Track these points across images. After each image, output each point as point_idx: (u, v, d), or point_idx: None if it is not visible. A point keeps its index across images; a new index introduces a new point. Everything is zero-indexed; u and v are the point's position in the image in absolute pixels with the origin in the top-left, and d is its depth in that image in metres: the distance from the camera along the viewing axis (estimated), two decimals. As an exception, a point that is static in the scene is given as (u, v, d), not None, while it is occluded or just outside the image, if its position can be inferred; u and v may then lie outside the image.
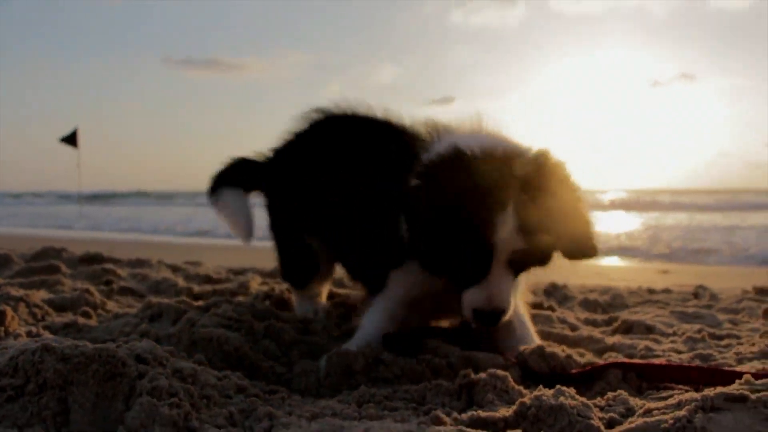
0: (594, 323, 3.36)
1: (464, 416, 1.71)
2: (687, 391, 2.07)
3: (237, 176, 3.45)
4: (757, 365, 2.35)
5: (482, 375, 2.00)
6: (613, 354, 2.64)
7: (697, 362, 2.51)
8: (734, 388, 1.74)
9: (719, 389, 1.72)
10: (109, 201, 37.39)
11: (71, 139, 20.32)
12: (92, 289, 3.41)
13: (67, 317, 2.86)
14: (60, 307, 3.11)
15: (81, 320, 2.78)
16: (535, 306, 3.49)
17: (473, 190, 2.19)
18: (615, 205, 29.48)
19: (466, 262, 2.26)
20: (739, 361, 2.46)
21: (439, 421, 1.66)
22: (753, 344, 2.71)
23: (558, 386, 1.80)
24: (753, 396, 1.68)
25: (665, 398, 1.87)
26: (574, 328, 3.14)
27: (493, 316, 2.25)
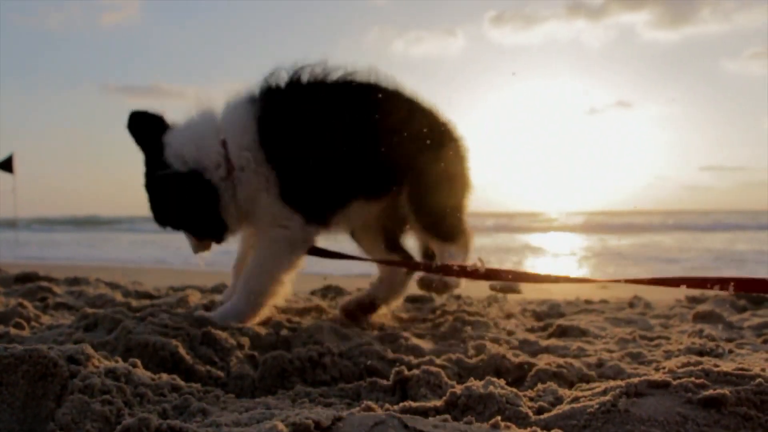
0: (530, 329, 3.43)
1: (396, 407, 1.74)
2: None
3: None
4: (683, 359, 2.43)
5: (416, 371, 2.03)
6: (546, 354, 2.69)
7: (627, 360, 2.58)
8: (657, 376, 1.81)
9: (643, 377, 1.79)
10: (46, 227, 36.45)
11: (7, 165, 19.83)
12: (26, 303, 3.35)
13: (-1, 329, 2.80)
14: (-8, 320, 3.04)
15: (13, 331, 2.73)
16: (472, 314, 3.53)
17: None
18: (556, 226, 30.00)
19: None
20: (667, 357, 2.54)
21: (369, 410, 1.69)
22: (681, 343, 2.81)
23: (488, 378, 1.84)
24: (675, 382, 1.75)
25: (593, 388, 1.93)
26: (510, 332, 3.19)
27: None
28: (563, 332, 3.19)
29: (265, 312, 3.04)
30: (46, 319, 3.24)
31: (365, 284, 5.21)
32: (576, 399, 1.78)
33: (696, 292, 4.86)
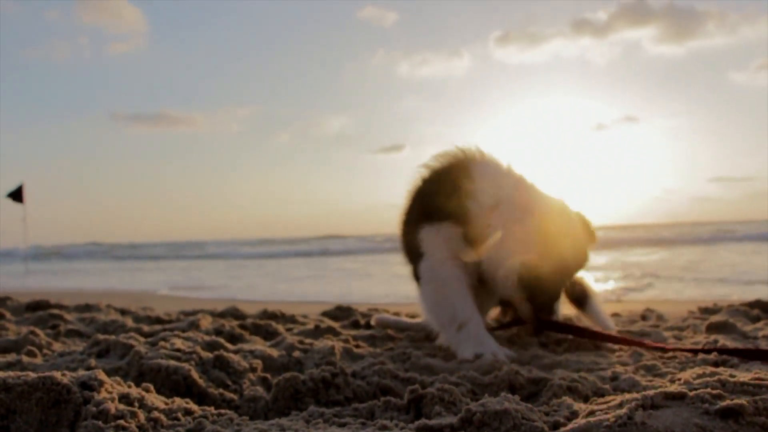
0: (543, 344, 3.41)
1: (411, 425, 1.73)
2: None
3: None
4: (698, 370, 2.41)
5: (430, 389, 2.02)
6: (560, 369, 2.68)
7: (641, 372, 2.56)
8: (673, 388, 1.80)
9: (659, 389, 1.78)
10: (56, 255, 36.51)
11: (17, 195, 19.91)
12: (37, 330, 3.36)
13: (11, 357, 2.80)
14: (3, 349, 3.05)
15: (26, 359, 2.73)
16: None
17: None
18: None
19: None
20: (682, 369, 2.52)
21: (385, 429, 1.68)
22: (695, 354, 2.79)
23: (503, 393, 1.83)
24: (691, 393, 1.74)
25: (609, 402, 1.91)
26: (523, 347, 3.17)
27: None
28: (576, 346, 3.17)
29: None
30: (57, 347, 3.24)
31: (375, 306, 5.20)
32: (591, 413, 1.76)
33: (709, 303, 4.84)
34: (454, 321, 3.02)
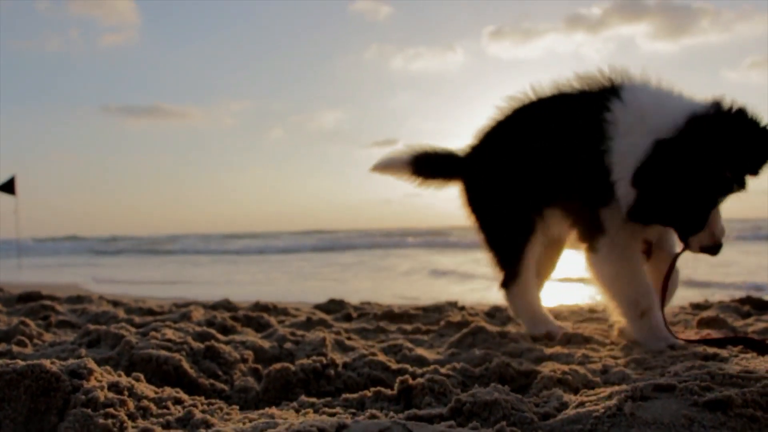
0: (534, 338, 3.41)
1: (400, 415, 1.73)
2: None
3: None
4: (688, 364, 2.41)
5: (420, 380, 2.03)
6: (551, 362, 2.68)
7: (632, 366, 2.56)
8: (662, 380, 1.80)
9: (649, 381, 1.79)
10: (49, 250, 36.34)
11: (8, 187, 19.80)
12: (29, 321, 3.34)
13: (1, 347, 2.79)
14: (-6, 339, 3.04)
15: (16, 348, 2.72)
16: (476, 324, 3.52)
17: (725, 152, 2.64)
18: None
19: (705, 209, 2.74)
20: (672, 363, 2.52)
21: (374, 418, 1.68)
22: (685, 348, 2.79)
23: (493, 384, 1.83)
24: (680, 385, 1.74)
25: (599, 393, 1.92)
26: (514, 341, 3.18)
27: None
28: (567, 340, 3.17)
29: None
30: (48, 337, 3.23)
31: (368, 300, 5.20)
32: (581, 404, 1.77)
33: (700, 299, 4.85)
34: (637, 306, 2.99)
